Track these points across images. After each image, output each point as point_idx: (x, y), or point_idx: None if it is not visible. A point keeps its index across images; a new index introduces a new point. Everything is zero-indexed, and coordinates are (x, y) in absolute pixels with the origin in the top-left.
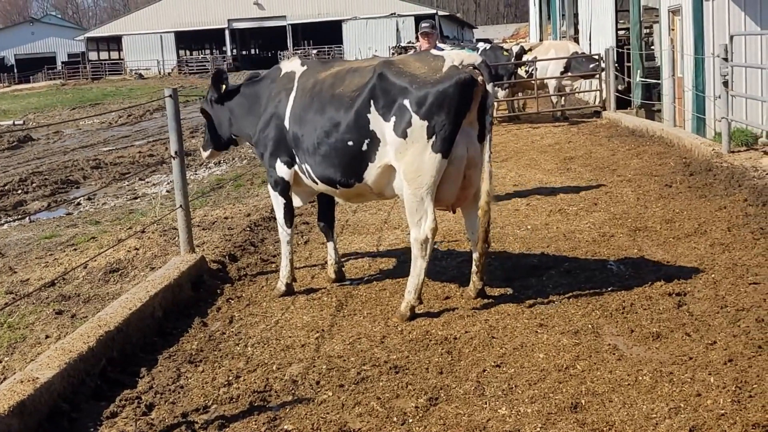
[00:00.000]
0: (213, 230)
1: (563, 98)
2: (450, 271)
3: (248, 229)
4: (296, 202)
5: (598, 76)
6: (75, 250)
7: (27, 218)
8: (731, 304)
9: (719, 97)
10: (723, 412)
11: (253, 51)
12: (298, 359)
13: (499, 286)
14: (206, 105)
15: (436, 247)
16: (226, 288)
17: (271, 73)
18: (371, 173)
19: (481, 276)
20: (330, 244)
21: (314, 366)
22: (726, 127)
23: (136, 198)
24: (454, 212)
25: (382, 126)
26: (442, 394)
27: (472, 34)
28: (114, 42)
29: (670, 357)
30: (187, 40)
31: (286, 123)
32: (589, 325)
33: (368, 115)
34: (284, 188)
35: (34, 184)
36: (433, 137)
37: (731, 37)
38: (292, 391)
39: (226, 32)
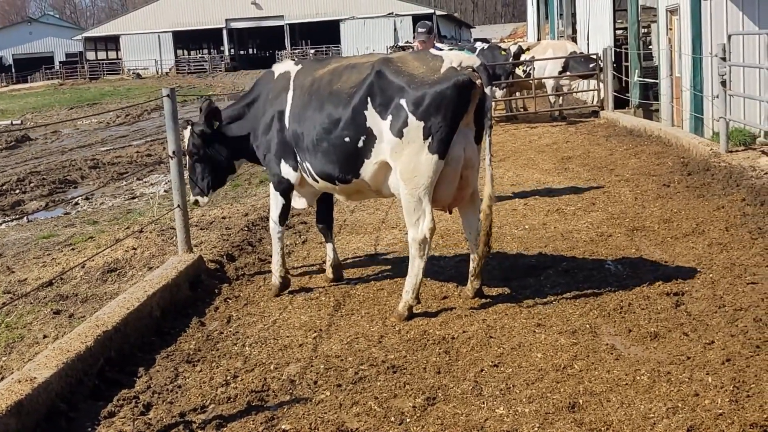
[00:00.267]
0: (211, 230)
1: (561, 98)
2: (448, 271)
3: (246, 228)
4: (302, 203)
5: (596, 75)
6: (73, 249)
7: (25, 218)
8: (729, 304)
9: (717, 97)
10: (721, 411)
11: (250, 51)
12: (295, 359)
13: (496, 286)
14: (196, 146)
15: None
16: (224, 288)
17: (263, 78)
18: (368, 170)
19: (479, 276)
20: (329, 245)
21: (312, 366)
22: (724, 126)
23: (133, 198)
24: (450, 212)
25: (378, 123)
26: (440, 394)
27: (470, 34)
28: (112, 42)
29: (667, 357)
30: (184, 39)
31: (286, 122)
32: (587, 325)
33: (365, 111)
34: (286, 188)
35: (31, 184)
36: (430, 138)
37: (729, 37)
38: (290, 391)
39: (224, 32)
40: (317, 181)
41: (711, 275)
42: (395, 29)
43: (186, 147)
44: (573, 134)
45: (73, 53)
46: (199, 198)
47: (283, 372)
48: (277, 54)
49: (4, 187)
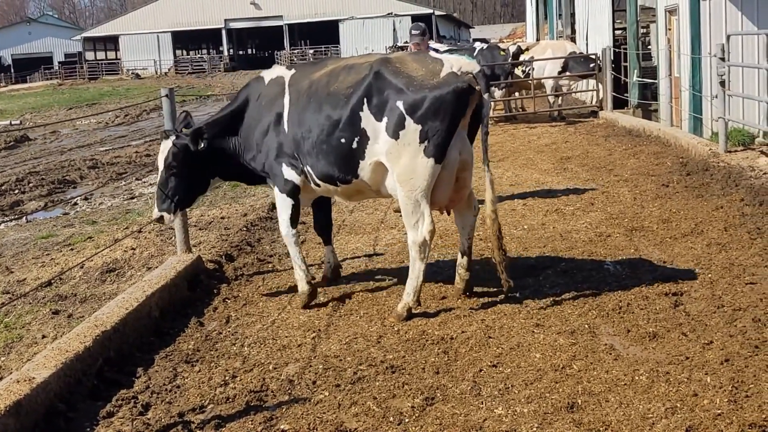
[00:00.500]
0: (210, 230)
1: (560, 98)
2: (446, 271)
3: (245, 228)
4: None
5: (595, 75)
6: (72, 250)
7: (24, 218)
8: (728, 304)
9: (716, 97)
10: (719, 412)
11: (249, 51)
12: (294, 359)
13: (495, 286)
14: (177, 160)
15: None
16: (223, 288)
17: (251, 86)
18: (365, 170)
19: (507, 275)
20: (328, 248)
21: (311, 366)
22: (723, 126)
23: (132, 198)
24: (449, 214)
25: (373, 124)
26: (439, 394)
27: (469, 34)
28: (111, 42)
29: (666, 357)
30: (184, 40)
31: (286, 127)
32: (586, 325)
33: (360, 112)
34: (293, 189)
35: (30, 184)
36: (426, 142)
37: (728, 37)
38: (289, 391)
39: (223, 32)
40: (318, 185)
41: (710, 275)
42: (394, 29)
43: (164, 160)
44: (572, 134)
45: (72, 53)
46: (165, 215)
47: (282, 372)
48: (277, 54)
49: (3, 188)
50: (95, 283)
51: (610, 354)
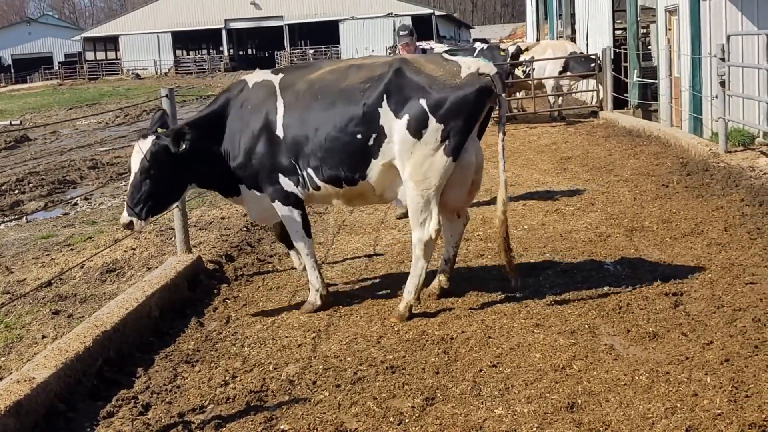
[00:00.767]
0: (210, 230)
1: (560, 98)
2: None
3: (245, 229)
4: (258, 216)
5: (595, 76)
6: (72, 250)
7: (24, 218)
8: (728, 304)
9: (716, 97)
10: (719, 412)
11: (250, 51)
12: (294, 359)
13: (495, 286)
14: (155, 162)
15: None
16: (223, 288)
17: (232, 90)
18: (374, 170)
19: (516, 275)
20: (293, 252)
21: (311, 366)
22: (723, 127)
23: None
24: (459, 216)
25: (391, 122)
26: (439, 394)
27: (469, 34)
28: (111, 42)
29: (666, 357)
30: (184, 40)
31: (280, 132)
32: (586, 325)
33: (379, 109)
34: (296, 200)
35: (30, 184)
36: (447, 141)
37: (728, 37)
38: (289, 391)
39: (223, 32)
40: (318, 189)
41: (710, 275)
42: (394, 29)
43: (140, 161)
44: (572, 134)
45: (72, 53)
46: (134, 220)
47: (282, 372)
48: (277, 54)
49: (3, 188)
50: (95, 284)
51: (610, 354)
